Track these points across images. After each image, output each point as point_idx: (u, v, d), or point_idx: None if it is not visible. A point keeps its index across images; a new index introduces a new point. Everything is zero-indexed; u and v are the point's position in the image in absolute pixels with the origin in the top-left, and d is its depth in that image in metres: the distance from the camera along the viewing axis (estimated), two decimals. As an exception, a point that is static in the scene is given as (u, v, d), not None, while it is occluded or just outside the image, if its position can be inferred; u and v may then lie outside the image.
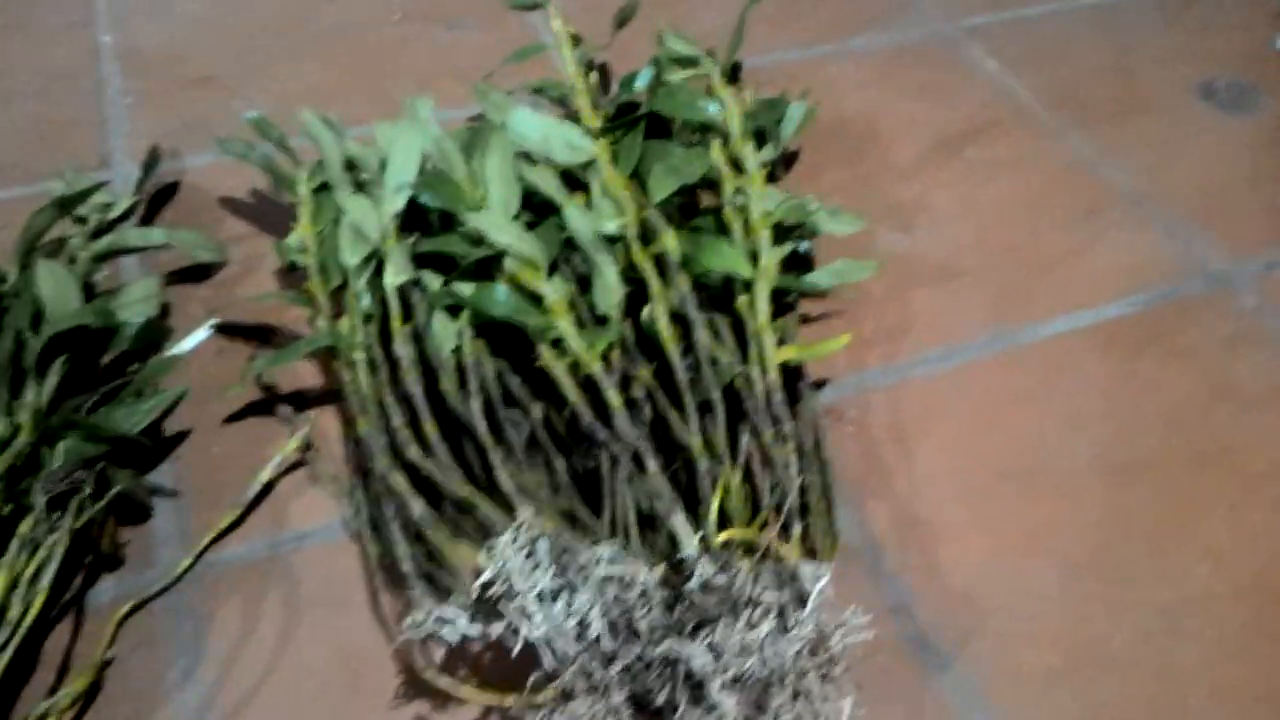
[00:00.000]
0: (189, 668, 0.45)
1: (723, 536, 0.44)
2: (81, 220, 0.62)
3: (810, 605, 0.40)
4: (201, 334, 0.56)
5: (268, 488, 0.52)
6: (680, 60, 0.70)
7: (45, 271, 0.55)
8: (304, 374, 0.57)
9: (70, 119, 0.74)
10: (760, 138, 0.68)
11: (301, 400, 0.56)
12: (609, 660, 0.39)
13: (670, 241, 0.56)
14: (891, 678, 0.46)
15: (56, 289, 0.54)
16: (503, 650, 0.43)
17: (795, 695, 0.40)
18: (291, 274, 0.62)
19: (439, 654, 0.45)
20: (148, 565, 0.49)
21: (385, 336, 0.54)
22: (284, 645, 0.46)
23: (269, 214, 0.67)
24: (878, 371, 0.59)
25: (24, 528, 0.43)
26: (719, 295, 0.57)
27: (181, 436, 0.54)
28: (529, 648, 0.40)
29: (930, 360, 0.60)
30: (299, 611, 0.47)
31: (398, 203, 0.59)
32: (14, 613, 0.41)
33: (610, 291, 0.55)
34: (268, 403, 0.56)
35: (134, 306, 0.57)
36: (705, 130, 0.65)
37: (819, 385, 0.57)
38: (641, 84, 0.70)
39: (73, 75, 0.78)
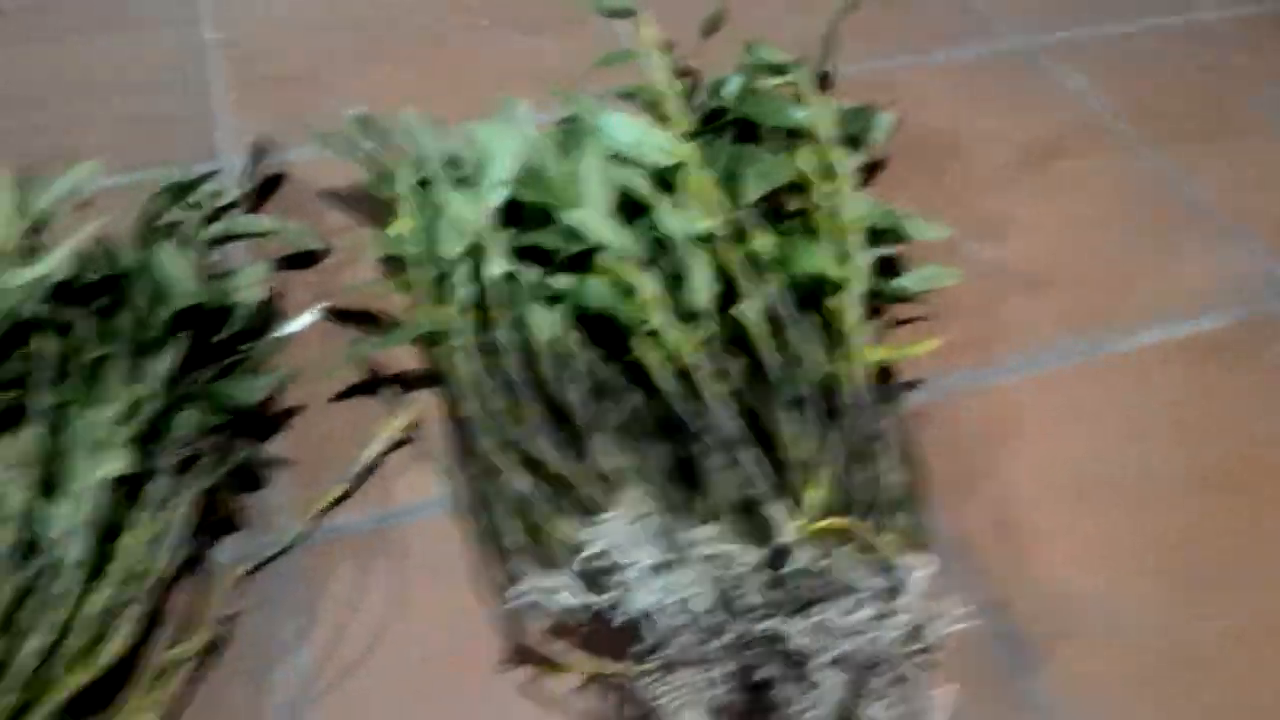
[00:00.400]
0: (302, 629, 0.47)
1: (819, 525, 0.45)
2: (194, 206, 0.65)
3: (912, 592, 0.40)
4: (309, 317, 0.58)
5: (375, 464, 0.54)
6: (770, 67, 0.71)
7: (166, 253, 0.58)
8: (405, 359, 0.59)
9: (177, 112, 0.77)
10: (848, 145, 0.69)
11: (403, 383, 0.58)
12: (712, 634, 0.40)
13: (763, 241, 0.57)
14: (981, 673, 0.47)
15: (176, 270, 0.57)
16: (600, 622, 0.45)
17: (894, 680, 0.40)
18: (391, 264, 0.64)
19: (540, 626, 0.46)
20: (263, 531, 0.51)
21: (485, 324, 0.56)
22: (392, 612, 0.48)
23: (366, 207, 0.69)
24: (965, 376, 0.59)
25: (154, 489, 0.45)
26: (806, 297, 0.58)
27: (292, 412, 0.56)
28: (627, 620, 0.41)
29: (1017, 367, 0.60)
30: (406, 581, 0.49)
31: (497, 198, 0.61)
32: (150, 567, 0.43)
33: (703, 288, 0.57)
34: (372, 384, 0.58)
35: (246, 289, 0.59)
36: (793, 136, 0.66)
37: (908, 387, 0.58)
38: (730, 90, 0.71)
39: (179, 70, 0.81)
